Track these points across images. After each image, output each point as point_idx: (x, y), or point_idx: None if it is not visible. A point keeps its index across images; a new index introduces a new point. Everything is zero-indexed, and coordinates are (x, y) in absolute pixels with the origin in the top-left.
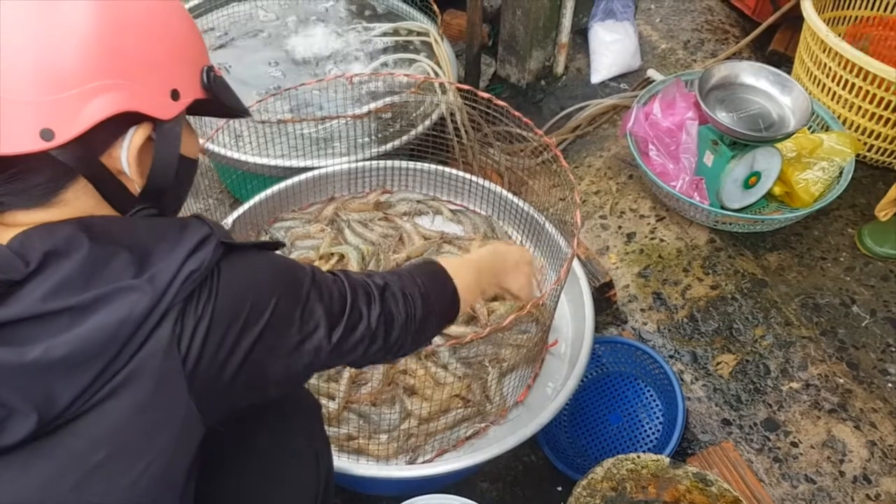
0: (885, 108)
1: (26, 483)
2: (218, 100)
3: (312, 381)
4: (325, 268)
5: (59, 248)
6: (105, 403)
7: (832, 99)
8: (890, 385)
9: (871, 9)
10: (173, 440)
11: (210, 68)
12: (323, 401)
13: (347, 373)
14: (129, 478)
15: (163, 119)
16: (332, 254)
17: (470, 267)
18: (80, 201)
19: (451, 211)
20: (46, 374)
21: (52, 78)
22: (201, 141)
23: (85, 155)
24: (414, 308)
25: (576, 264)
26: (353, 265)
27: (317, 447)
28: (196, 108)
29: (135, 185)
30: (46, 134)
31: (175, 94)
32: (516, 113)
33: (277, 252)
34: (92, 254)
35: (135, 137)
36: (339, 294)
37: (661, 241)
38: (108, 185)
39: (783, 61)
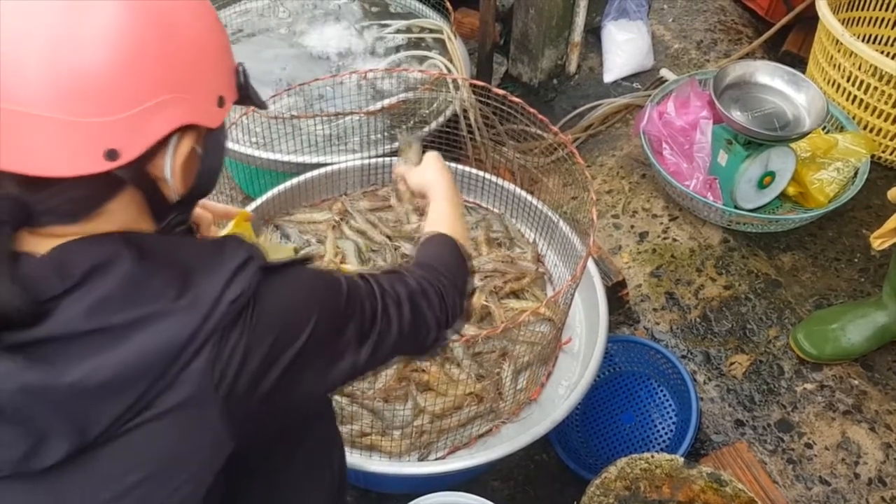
0: None
1: (60, 501)
2: (248, 98)
3: None
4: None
5: (103, 263)
6: (141, 428)
7: (847, 99)
8: None
9: (887, 9)
10: (204, 462)
11: (241, 66)
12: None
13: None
14: (160, 498)
15: (211, 127)
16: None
17: (457, 217)
18: (122, 212)
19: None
20: (84, 398)
21: (114, 97)
22: None
23: (138, 167)
24: (444, 300)
25: (589, 262)
26: (352, 260)
27: (330, 446)
28: None
29: (172, 192)
30: (112, 154)
31: (221, 101)
32: (531, 110)
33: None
34: (135, 271)
35: (181, 146)
36: (371, 306)
37: (674, 240)
38: (151, 193)
39: (796, 62)
